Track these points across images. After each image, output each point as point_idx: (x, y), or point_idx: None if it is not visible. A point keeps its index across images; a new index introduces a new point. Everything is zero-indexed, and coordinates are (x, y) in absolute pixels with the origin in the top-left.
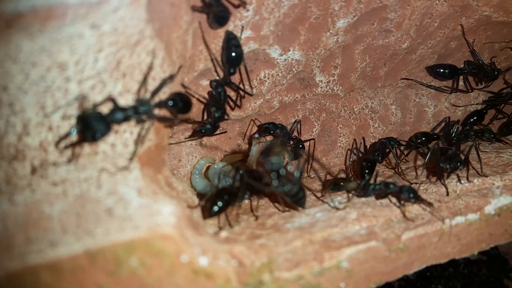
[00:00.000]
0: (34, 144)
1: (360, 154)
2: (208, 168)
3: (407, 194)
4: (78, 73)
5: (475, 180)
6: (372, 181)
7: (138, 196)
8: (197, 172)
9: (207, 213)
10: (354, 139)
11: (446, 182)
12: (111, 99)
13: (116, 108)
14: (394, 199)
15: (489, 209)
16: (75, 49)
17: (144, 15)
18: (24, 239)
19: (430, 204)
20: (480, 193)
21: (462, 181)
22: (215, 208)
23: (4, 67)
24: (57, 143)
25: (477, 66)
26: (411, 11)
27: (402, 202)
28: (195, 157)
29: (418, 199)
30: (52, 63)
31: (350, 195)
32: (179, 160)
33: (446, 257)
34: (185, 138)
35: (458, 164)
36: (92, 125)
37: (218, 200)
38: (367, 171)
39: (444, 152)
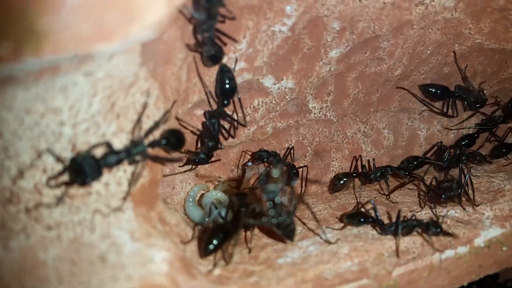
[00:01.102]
0: (28, 187)
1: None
2: (202, 195)
3: (434, 229)
4: (72, 117)
5: (465, 209)
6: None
7: (131, 240)
8: (190, 199)
9: (203, 253)
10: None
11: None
12: (107, 143)
13: (109, 151)
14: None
15: (479, 241)
16: (69, 95)
17: (138, 59)
18: None
19: (451, 235)
20: (470, 224)
21: (452, 211)
22: (211, 247)
23: None
24: (48, 181)
25: (467, 92)
26: (404, 40)
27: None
28: (189, 184)
29: (443, 232)
30: (46, 109)
31: (343, 226)
32: (173, 187)
33: None
34: (179, 166)
35: (458, 191)
36: (83, 169)
37: (213, 238)
38: (341, 182)
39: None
